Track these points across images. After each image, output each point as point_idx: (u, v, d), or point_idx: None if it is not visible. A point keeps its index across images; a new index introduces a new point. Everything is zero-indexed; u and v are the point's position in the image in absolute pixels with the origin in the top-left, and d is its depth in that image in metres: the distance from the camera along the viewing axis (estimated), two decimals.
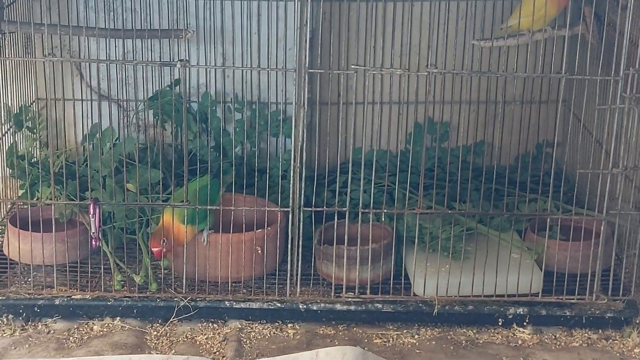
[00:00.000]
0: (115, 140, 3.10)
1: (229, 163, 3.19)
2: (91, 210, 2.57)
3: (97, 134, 3.00)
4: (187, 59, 2.71)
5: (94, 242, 2.60)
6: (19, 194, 3.18)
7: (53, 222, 2.67)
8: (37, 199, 2.92)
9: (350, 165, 2.71)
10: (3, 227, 2.98)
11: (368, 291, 2.67)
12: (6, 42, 3.04)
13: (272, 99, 3.44)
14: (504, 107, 3.52)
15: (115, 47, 3.36)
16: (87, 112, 3.44)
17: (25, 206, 2.96)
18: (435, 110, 3.50)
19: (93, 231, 2.58)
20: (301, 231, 2.63)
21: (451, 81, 3.35)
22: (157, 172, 2.93)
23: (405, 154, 3.43)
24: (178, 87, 3.38)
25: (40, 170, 3.02)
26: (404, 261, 2.79)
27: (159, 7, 3.34)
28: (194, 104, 3.45)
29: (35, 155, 3.19)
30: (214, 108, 3.36)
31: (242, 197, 2.89)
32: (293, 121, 2.58)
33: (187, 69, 2.53)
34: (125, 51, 3.39)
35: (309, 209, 2.64)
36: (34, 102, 3.41)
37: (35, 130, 3.20)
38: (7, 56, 3.01)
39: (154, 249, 2.61)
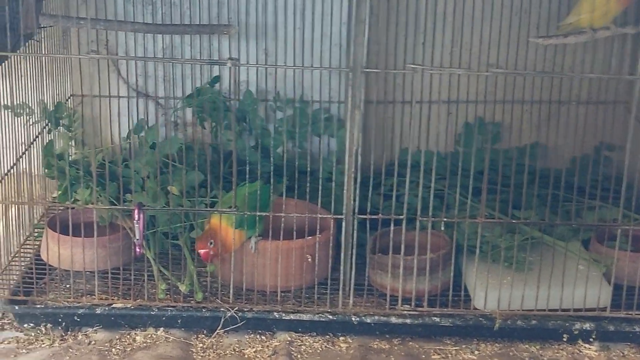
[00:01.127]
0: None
1: (273, 165, 3.05)
2: (135, 216, 2.43)
3: (142, 131, 2.88)
4: (237, 57, 2.57)
5: (137, 250, 2.47)
6: (55, 195, 3.06)
7: (95, 227, 2.54)
8: (76, 201, 2.80)
9: (396, 167, 2.53)
10: (40, 229, 2.86)
11: (425, 303, 2.53)
12: (42, 36, 2.91)
13: (315, 97, 3.30)
14: (560, 107, 3.38)
15: (154, 42, 3.23)
16: (123, 109, 3.31)
17: (62, 208, 2.84)
18: (487, 109, 3.35)
19: (137, 238, 2.44)
20: (355, 239, 2.49)
21: (504, 80, 3.20)
22: (200, 174, 2.81)
23: (455, 155, 3.28)
24: (217, 84, 3.25)
25: (78, 171, 2.89)
26: (463, 272, 2.64)
27: (200, 1, 3.21)
28: (234, 101, 3.31)
29: (70, 154, 3.06)
30: (256, 107, 3.22)
31: (292, 202, 2.75)
32: (348, 124, 2.43)
33: (237, 68, 2.38)
34: (164, 46, 3.26)
35: (364, 216, 2.49)
36: (69, 98, 3.28)
37: (71, 129, 3.08)
38: (44, 52, 2.88)
39: (201, 251, 2.48)
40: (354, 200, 2.45)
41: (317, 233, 2.57)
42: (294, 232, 2.55)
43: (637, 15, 2.86)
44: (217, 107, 3.20)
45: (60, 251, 2.57)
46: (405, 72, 2.40)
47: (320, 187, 2.91)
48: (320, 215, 2.56)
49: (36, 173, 2.90)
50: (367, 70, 2.37)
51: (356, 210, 2.47)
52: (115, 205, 2.73)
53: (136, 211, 2.43)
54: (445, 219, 2.50)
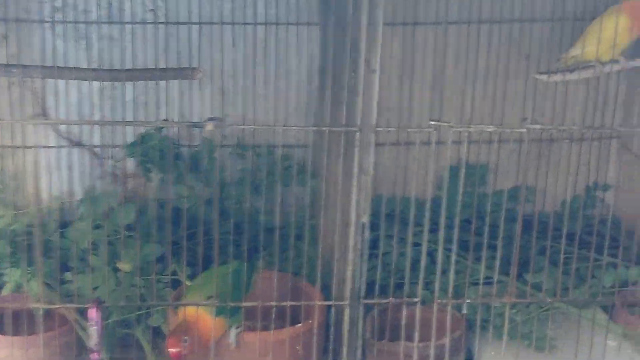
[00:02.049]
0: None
1: (234, 222, 2.60)
2: (94, 317, 1.95)
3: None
4: (218, 116, 2.13)
5: (96, 356, 1.98)
6: None
7: (41, 323, 2.03)
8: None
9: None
10: None
11: None
12: None
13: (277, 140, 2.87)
14: (550, 145, 3.07)
15: (89, 84, 2.72)
16: (54, 161, 2.81)
17: None
18: (471, 151, 3.00)
19: (95, 343, 1.96)
20: (360, 328, 2.08)
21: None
22: (158, 246, 2.35)
23: (436, 201, 2.91)
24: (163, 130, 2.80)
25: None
26: (478, 354, 2.27)
27: (144, 34, 2.74)
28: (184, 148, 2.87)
29: None
30: (213, 155, 2.77)
31: (269, 276, 2.28)
32: (354, 190, 2.02)
33: (220, 129, 1.94)
34: (102, 86, 2.76)
35: (372, 301, 2.07)
36: None
37: None
38: None
39: (172, 350, 2.01)
40: (360, 283, 2.04)
41: (316, 318, 2.15)
42: (288, 321, 2.11)
43: None
44: (165, 156, 2.75)
45: None
46: (429, 131, 1.99)
47: (284, 248, 2.49)
48: (319, 302, 2.13)
49: None
50: (379, 129, 1.96)
51: (362, 295, 2.05)
52: (50, 286, 2.25)
53: (94, 310, 1.94)
54: (468, 301, 2.11)
